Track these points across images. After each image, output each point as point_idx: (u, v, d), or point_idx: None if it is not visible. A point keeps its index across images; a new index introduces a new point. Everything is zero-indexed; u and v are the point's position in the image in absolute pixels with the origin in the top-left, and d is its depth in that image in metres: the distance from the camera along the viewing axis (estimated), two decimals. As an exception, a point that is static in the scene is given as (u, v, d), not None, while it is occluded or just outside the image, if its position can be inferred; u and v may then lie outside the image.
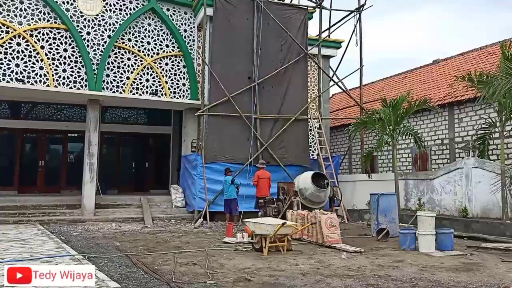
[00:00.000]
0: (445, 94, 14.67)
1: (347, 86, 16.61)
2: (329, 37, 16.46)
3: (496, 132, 11.41)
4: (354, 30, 15.89)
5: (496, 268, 6.56)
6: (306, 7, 15.30)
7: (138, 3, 13.58)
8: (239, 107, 13.33)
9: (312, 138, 15.07)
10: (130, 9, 13.47)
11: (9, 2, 12.10)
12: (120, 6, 13.37)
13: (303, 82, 14.74)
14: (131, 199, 13.54)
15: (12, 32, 12.05)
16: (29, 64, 12.17)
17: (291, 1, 17.40)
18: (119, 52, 13.38)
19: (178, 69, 14.11)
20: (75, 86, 12.64)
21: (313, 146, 15.09)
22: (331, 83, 16.18)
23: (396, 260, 7.05)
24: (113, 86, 13.15)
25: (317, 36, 15.83)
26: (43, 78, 12.28)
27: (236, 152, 13.14)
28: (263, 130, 13.70)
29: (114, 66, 13.25)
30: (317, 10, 15.58)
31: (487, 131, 11.60)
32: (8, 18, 12.05)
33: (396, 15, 53.05)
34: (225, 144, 13.23)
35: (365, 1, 15.78)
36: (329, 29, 16.67)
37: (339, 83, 16.01)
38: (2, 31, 11.96)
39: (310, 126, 14.77)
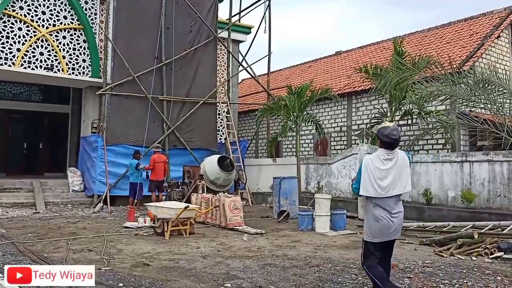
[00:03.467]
0: (345, 84, 15.64)
1: (256, 72, 16.89)
2: (239, 21, 16.52)
3: (387, 121, 12.46)
4: (263, 17, 16.14)
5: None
6: (217, -11, 15.11)
7: (31, -33, 12.28)
8: (145, 87, 12.83)
9: (220, 122, 15.10)
10: (22, -26, 12.13)
11: None
12: (10, -32, 11.97)
13: (213, 65, 14.62)
14: (21, 183, 12.37)
15: None
16: None
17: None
18: (8, 21, 12.04)
19: (78, 43, 13.12)
20: (-48, 55, 11.11)
21: (221, 130, 15.15)
22: (240, 68, 16.30)
23: (294, 240, 7.40)
24: (0, 58, 11.81)
25: (227, 20, 15.78)
26: None
27: (141, 134, 12.63)
28: (171, 112, 13.37)
29: (2, 36, 11.89)
30: (229, -7, 15.50)
31: (379, 120, 12.62)
32: None
33: (305, 5, 54.98)
34: (129, 126, 12.67)
35: (275, -11, 16.09)
36: (239, 13, 16.74)
37: (248, 69, 16.19)
38: None
39: (219, 110, 14.77)
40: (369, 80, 12.61)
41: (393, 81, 9.52)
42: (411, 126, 12.98)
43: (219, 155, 11.99)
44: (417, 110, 11.02)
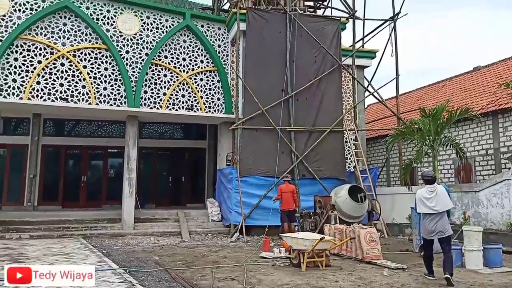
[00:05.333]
0: (488, 102, 14.12)
1: (383, 96, 16.30)
2: (363, 47, 16.26)
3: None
4: (389, 39, 15.65)
5: (552, 287, 6.15)
6: (339, 18, 15.20)
7: (173, 21, 13.94)
8: (273, 119, 13.33)
9: (348, 150, 14.82)
10: (166, 27, 13.83)
11: (53, 25, 12.71)
12: (157, 25, 13.76)
13: (338, 93, 14.58)
14: (168, 213, 13.74)
15: (56, 53, 12.62)
16: (72, 83, 12.68)
17: (323, 12, 17.40)
18: (156, 69, 13.73)
19: (213, 83, 14.31)
20: (115, 103, 13.05)
21: (349, 158, 14.83)
22: (366, 93, 15.93)
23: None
24: (150, 102, 13.48)
25: (350, 46, 15.68)
26: (85, 96, 12.75)
27: (271, 165, 13.08)
28: (298, 142, 13.61)
29: (151, 83, 13.59)
30: (350, 20, 15.46)
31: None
32: (52, 40, 12.64)
33: (428, 22, 51.90)
34: (259, 157, 13.22)
35: (400, 10, 15.55)
36: (363, 39, 16.49)
37: (375, 94, 15.73)
38: (47, 52, 12.55)
39: (346, 138, 14.55)
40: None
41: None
42: None
43: (350, 185, 11.71)
44: None
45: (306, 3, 17.21)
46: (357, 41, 15.99)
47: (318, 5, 17.54)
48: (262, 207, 12.54)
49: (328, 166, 13.71)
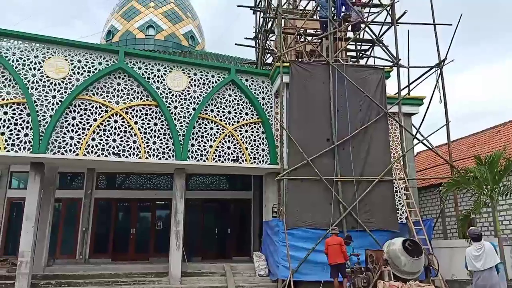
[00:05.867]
0: (549, 148, 13.30)
1: (433, 143, 15.76)
2: (409, 94, 16.02)
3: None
4: (436, 86, 15.37)
5: None
6: (382, 67, 15.20)
7: (219, 77, 14.49)
8: (319, 170, 13.17)
9: (399, 201, 14.25)
10: (213, 83, 14.38)
11: (108, 85, 13.58)
12: (204, 80, 14.35)
13: (385, 141, 14.28)
14: (215, 267, 13.57)
15: (110, 111, 13.37)
16: (124, 139, 13.29)
17: (366, 62, 17.50)
18: (202, 122, 14.14)
19: (257, 135, 14.49)
20: (163, 157, 13.46)
21: (401, 209, 14.23)
22: (415, 141, 15.48)
23: None
24: (197, 155, 13.79)
25: (396, 94, 15.51)
26: (135, 151, 13.28)
27: (318, 217, 12.78)
28: (346, 193, 13.28)
29: (198, 136, 13.97)
30: (395, 68, 15.39)
31: None
32: (107, 99, 13.46)
33: (474, 68, 50.73)
34: (306, 209, 12.96)
35: (446, 56, 15.36)
36: (408, 86, 16.27)
37: (424, 141, 15.26)
38: (102, 111, 13.33)
39: (396, 188, 14.05)
40: None
41: None
42: None
43: (403, 238, 11.13)
44: None
45: (348, 53, 17.45)
46: (403, 89, 15.80)
47: (361, 55, 17.72)
48: (311, 261, 12.12)
49: (378, 218, 13.19)
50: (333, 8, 15.42)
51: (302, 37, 16.09)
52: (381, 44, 15.82)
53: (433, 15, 15.73)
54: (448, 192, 13.55)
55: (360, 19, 15.68)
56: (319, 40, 16.30)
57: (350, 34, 16.77)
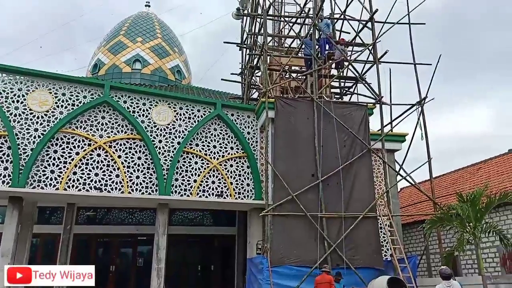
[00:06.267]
0: (528, 185, 13.57)
1: (416, 179, 15.94)
2: (391, 131, 16.29)
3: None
4: (417, 124, 15.70)
5: None
6: (365, 104, 15.50)
7: (205, 111, 14.59)
8: (304, 205, 13.12)
9: (383, 237, 14.23)
10: (198, 117, 14.45)
11: (92, 118, 13.52)
12: (189, 115, 14.41)
13: (369, 177, 14.39)
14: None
15: (93, 145, 13.26)
16: (107, 173, 13.12)
17: (350, 98, 17.86)
18: (187, 156, 14.09)
19: (242, 169, 14.47)
20: (146, 192, 13.29)
21: (385, 246, 14.18)
22: (399, 177, 15.65)
23: None
24: (181, 189, 13.66)
25: (379, 130, 15.77)
26: (118, 185, 13.09)
27: (303, 254, 12.62)
28: (330, 229, 13.20)
29: (182, 171, 13.88)
30: (378, 105, 15.71)
31: None
32: (91, 132, 13.37)
33: (461, 102, 52.24)
34: (291, 245, 12.81)
35: (426, 94, 15.77)
36: (391, 123, 16.60)
37: (407, 178, 15.42)
38: (85, 144, 13.21)
39: (380, 224, 14.05)
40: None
41: None
42: None
43: (388, 276, 11.05)
44: None
45: (332, 90, 17.81)
46: (386, 125, 16.08)
47: (345, 91, 18.10)
48: (295, 300, 11.89)
49: (363, 255, 13.09)
50: (317, 46, 15.87)
51: (287, 73, 16.44)
52: (364, 82, 16.23)
53: (413, 55, 16.26)
54: (431, 229, 13.58)
55: (344, 58, 16.12)
56: (304, 77, 16.64)
57: (334, 72, 17.17)
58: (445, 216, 12.34)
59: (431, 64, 16.00)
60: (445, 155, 45.74)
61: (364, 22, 16.57)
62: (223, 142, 14.55)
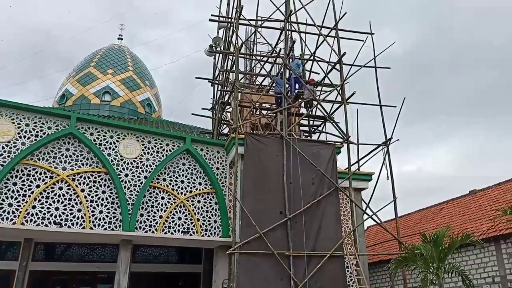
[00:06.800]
0: (487, 227, 14.02)
1: (382, 218, 16.22)
2: (358, 170, 16.63)
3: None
4: (383, 163, 16.11)
5: None
6: (333, 143, 15.84)
7: (174, 146, 14.50)
8: (272, 243, 12.99)
9: (350, 277, 14.22)
10: (167, 151, 14.33)
11: (56, 150, 13.18)
12: (158, 149, 14.28)
13: (337, 216, 14.48)
14: None
15: (55, 177, 12.85)
16: (68, 207, 12.68)
17: (318, 137, 18.23)
18: (153, 191, 13.85)
19: (210, 206, 14.32)
20: (109, 227, 12.89)
21: (352, 285, 14.15)
22: (365, 216, 15.84)
23: None
24: (146, 225, 13.32)
25: (346, 169, 16.06)
26: (79, 220, 12.65)
27: (270, 294, 12.41)
28: (297, 268, 13.07)
29: (148, 206, 13.59)
30: (345, 145, 16.07)
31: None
32: (53, 165, 12.98)
33: (422, 146, 54.15)
34: (257, 284, 12.56)
35: (391, 135, 16.29)
36: (358, 162, 16.95)
37: (374, 216, 15.64)
38: (47, 177, 12.79)
39: (347, 263, 14.06)
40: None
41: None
42: None
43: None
44: None
45: (301, 128, 18.16)
46: (353, 164, 16.40)
47: (313, 130, 18.47)
48: None
49: (330, 294, 12.99)
50: (287, 85, 16.25)
51: (258, 110, 16.68)
52: (332, 121, 16.63)
53: (379, 97, 16.87)
54: (397, 269, 13.72)
55: (313, 97, 16.56)
56: (274, 115, 16.92)
57: (303, 110, 17.56)
58: (409, 256, 12.51)
59: (395, 107, 16.64)
60: (410, 194, 46.87)
61: (332, 64, 17.16)
62: (191, 178, 14.41)
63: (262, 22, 18.27)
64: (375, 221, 15.74)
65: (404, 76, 53.29)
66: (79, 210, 12.75)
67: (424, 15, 54.65)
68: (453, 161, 52.09)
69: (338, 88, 16.74)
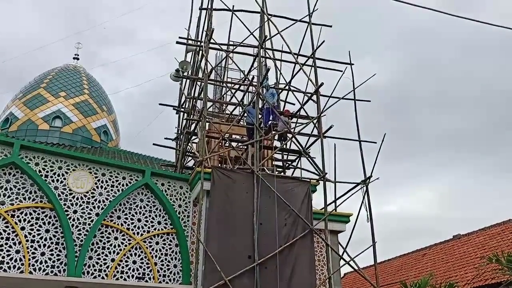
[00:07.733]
0: (472, 276, 14.25)
1: (360, 264, 16.20)
2: (335, 210, 16.64)
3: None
4: (362, 203, 16.22)
5: None
6: (309, 180, 15.89)
7: (131, 179, 14.21)
8: (239, 292, 12.73)
9: (325, 331, 14.00)
10: (123, 185, 14.01)
11: (-6, 181, 12.68)
12: (113, 182, 13.96)
13: (311, 261, 14.36)
14: None
15: (-9, 213, 12.30)
16: (5, 248, 12.10)
17: (293, 173, 18.27)
18: (106, 231, 13.43)
19: (170, 248, 13.97)
20: (52, 272, 12.34)
21: None
22: (342, 262, 15.76)
23: None
24: (95, 270, 12.83)
25: (322, 209, 16.07)
26: (17, 263, 12.07)
27: None
28: (267, 321, 12.81)
29: (98, 247, 13.14)
30: (321, 182, 16.14)
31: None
32: (-10, 198, 12.45)
33: (403, 185, 55.29)
34: None
35: (371, 173, 16.51)
36: (335, 202, 16.96)
37: (351, 262, 15.58)
38: (-19, 212, 12.22)
39: (322, 315, 13.88)
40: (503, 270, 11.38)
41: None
42: None
43: None
44: None
45: (274, 163, 18.20)
46: (329, 204, 16.43)
47: (287, 165, 18.54)
48: None
49: None
50: (260, 116, 16.37)
51: (227, 142, 16.66)
52: (308, 156, 16.76)
53: (358, 132, 17.14)
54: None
55: (287, 129, 16.71)
56: (245, 147, 16.93)
57: (277, 143, 17.67)
58: (390, 308, 12.49)
59: (375, 143, 16.93)
60: (391, 235, 47.39)
61: (309, 95, 17.44)
62: (150, 216, 14.10)
63: (235, 47, 18.59)
64: (352, 267, 15.67)
65: (385, 110, 54.98)
66: (17, 251, 12.17)
67: (406, 46, 57.11)
68: (436, 201, 53.38)
69: (315, 121, 16.97)
